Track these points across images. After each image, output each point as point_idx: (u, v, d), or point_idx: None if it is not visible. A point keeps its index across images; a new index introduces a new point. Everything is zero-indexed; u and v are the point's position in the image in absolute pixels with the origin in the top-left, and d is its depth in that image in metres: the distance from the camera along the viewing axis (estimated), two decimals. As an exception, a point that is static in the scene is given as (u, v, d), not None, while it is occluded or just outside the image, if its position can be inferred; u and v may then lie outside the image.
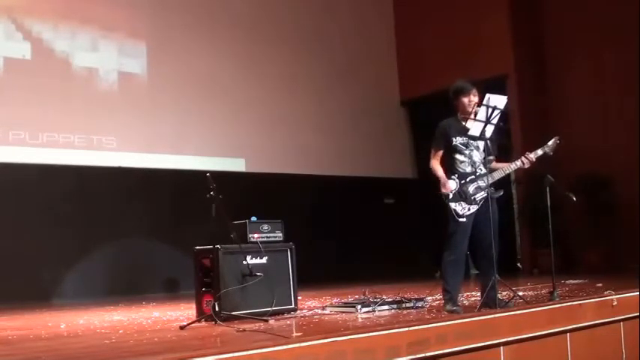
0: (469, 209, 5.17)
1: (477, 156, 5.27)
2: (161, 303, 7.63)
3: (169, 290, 9.61)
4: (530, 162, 5.29)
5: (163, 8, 10.71)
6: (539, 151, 5.35)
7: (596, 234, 10.68)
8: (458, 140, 5.25)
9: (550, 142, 5.37)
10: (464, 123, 5.29)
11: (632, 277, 6.91)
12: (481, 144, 5.26)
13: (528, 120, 11.54)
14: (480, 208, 5.19)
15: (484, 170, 5.23)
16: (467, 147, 5.25)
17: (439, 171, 5.25)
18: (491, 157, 5.26)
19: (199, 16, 11.04)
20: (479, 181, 5.20)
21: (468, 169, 5.24)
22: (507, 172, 5.34)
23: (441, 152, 5.28)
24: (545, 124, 11.71)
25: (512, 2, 11.96)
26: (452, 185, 5.17)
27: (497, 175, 5.26)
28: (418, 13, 13.15)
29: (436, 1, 12.91)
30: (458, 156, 5.25)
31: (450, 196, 5.16)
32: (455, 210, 5.15)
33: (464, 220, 5.15)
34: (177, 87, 10.65)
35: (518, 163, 5.31)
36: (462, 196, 5.17)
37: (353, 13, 12.94)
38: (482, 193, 5.18)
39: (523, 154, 5.35)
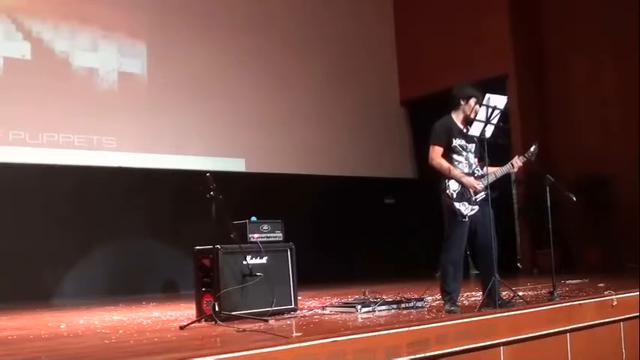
0: (472, 209, 5.19)
1: (472, 158, 5.34)
2: (161, 303, 7.62)
3: (169, 290, 9.61)
4: (518, 166, 5.39)
5: (163, 8, 10.71)
6: (526, 156, 5.40)
7: (596, 234, 10.69)
8: (457, 142, 5.27)
9: (532, 149, 5.45)
10: (460, 125, 5.32)
11: (632, 277, 6.91)
12: (473, 147, 5.32)
13: (528, 120, 11.55)
14: (479, 208, 5.21)
15: (481, 172, 5.27)
16: (464, 149, 5.29)
17: (452, 169, 5.20)
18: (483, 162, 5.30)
19: (199, 16, 11.04)
20: (478, 182, 5.22)
21: (466, 170, 5.27)
22: (498, 175, 5.38)
23: (441, 149, 5.27)
24: (544, 124, 11.73)
25: (512, 2, 11.95)
26: (474, 181, 5.18)
27: (490, 178, 5.29)
28: (418, 13, 13.16)
29: (436, 2, 12.91)
30: (456, 157, 5.28)
31: (454, 195, 5.16)
32: (459, 210, 5.15)
33: (466, 220, 5.17)
34: (177, 87, 10.65)
35: (508, 166, 5.39)
36: (464, 196, 5.19)
37: (353, 13, 12.94)
38: (482, 194, 5.21)
39: (523, 153, 5.40)
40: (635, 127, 10.55)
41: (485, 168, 5.27)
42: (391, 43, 13.59)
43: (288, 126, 11.73)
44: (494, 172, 5.34)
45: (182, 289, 9.20)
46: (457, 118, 5.36)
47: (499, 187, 5.41)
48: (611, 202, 10.56)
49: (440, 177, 5.27)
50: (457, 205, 5.16)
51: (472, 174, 5.27)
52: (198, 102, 10.81)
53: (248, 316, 5.11)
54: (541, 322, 4.93)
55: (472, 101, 5.30)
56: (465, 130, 5.28)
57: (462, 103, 5.34)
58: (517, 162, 5.37)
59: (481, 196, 5.21)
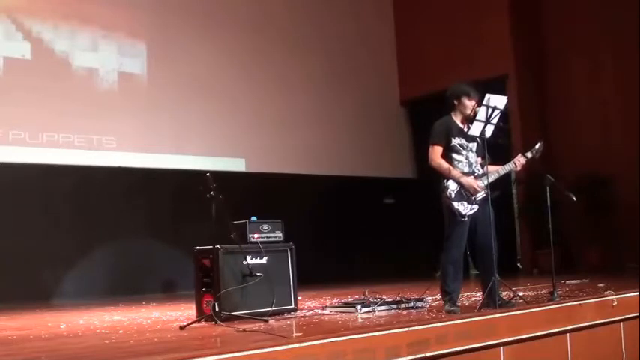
0: (471, 209, 5.18)
1: (473, 157, 5.32)
2: (161, 303, 7.62)
3: (169, 290, 9.61)
4: (522, 165, 5.36)
5: (163, 8, 10.71)
6: (529, 154, 5.39)
7: (596, 234, 10.69)
8: (456, 141, 5.26)
9: (537, 146, 5.43)
10: (461, 125, 5.31)
11: (632, 277, 6.91)
12: (474, 146, 5.31)
13: (528, 120, 11.55)
14: (479, 208, 5.20)
15: (481, 171, 5.26)
16: (464, 148, 5.28)
17: (452, 170, 5.19)
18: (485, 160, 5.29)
19: (199, 16, 11.04)
20: (478, 182, 5.22)
21: (466, 170, 5.25)
22: (501, 174, 5.36)
23: (441, 149, 5.26)
24: (544, 124, 11.73)
25: (512, 2, 11.96)
26: (474, 182, 5.18)
27: (491, 177, 5.28)
28: (418, 13, 13.16)
29: (436, 2, 12.91)
30: (456, 156, 5.27)
31: (453, 195, 5.16)
32: (458, 210, 5.15)
33: (465, 220, 5.16)
34: (177, 87, 10.65)
35: (511, 165, 5.37)
36: (463, 196, 5.18)
37: (353, 13, 12.93)
38: (482, 193, 5.20)
39: (523, 153, 5.39)
40: (635, 127, 10.55)
41: (485, 167, 5.27)
42: (391, 43, 13.59)
43: (288, 126, 11.73)
44: (497, 170, 5.33)
45: (182, 289, 9.19)
46: (456, 117, 5.35)
47: (499, 186, 5.40)
48: (611, 202, 10.56)
49: (440, 177, 5.26)
50: (456, 205, 5.16)
51: (472, 173, 5.26)
52: (198, 102, 10.81)
53: (248, 316, 5.10)
54: (541, 322, 4.93)
55: (464, 99, 5.28)
56: (465, 129, 5.28)
57: (456, 103, 5.33)
58: (520, 160, 5.35)
59: (481, 195, 5.20)
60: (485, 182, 5.23)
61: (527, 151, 5.41)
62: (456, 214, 5.15)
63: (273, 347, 3.55)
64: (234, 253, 5.37)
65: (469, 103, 5.27)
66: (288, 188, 11.03)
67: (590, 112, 11.37)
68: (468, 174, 5.23)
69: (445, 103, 5.41)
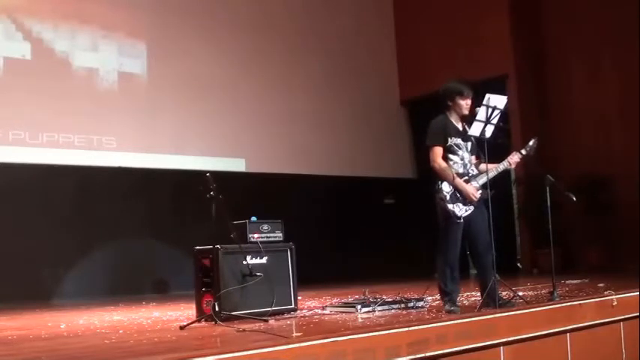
0: (466, 210, 5.15)
1: (467, 157, 5.28)
2: (161, 303, 7.62)
3: (169, 290, 9.61)
4: (516, 162, 5.32)
5: (163, 8, 10.71)
6: (523, 152, 5.35)
7: (596, 234, 10.69)
8: (453, 140, 5.23)
9: (531, 143, 5.39)
10: (457, 124, 5.29)
11: (632, 277, 6.91)
12: (469, 145, 5.27)
13: (528, 120, 11.55)
14: (474, 208, 5.18)
15: (476, 171, 5.25)
16: (460, 148, 5.25)
17: (453, 176, 5.12)
18: (481, 160, 5.27)
19: (199, 16, 11.04)
20: (472, 182, 5.20)
21: (461, 170, 5.22)
22: (496, 173, 5.29)
23: (441, 150, 5.19)
24: (544, 124, 11.73)
25: (512, 2, 11.96)
26: (473, 190, 5.14)
27: (487, 176, 5.25)
28: (418, 13, 13.16)
29: (436, 2, 12.92)
30: (451, 156, 5.23)
31: (447, 197, 5.13)
32: (453, 211, 5.12)
33: (460, 221, 5.14)
34: (177, 87, 10.65)
35: (505, 164, 5.31)
36: (458, 197, 5.16)
37: (353, 12, 12.94)
38: (478, 193, 5.18)
39: (520, 150, 5.37)
40: (635, 127, 10.55)
41: (481, 166, 5.25)
42: (391, 43, 13.59)
43: (288, 126, 11.73)
44: (491, 169, 5.28)
45: (181, 289, 9.18)
46: (452, 116, 5.31)
47: (499, 186, 5.38)
48: (611, 202, 10.56)
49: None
50: (450, 206, 5.12)
51: (467, 174, 5.24)
52: (198, 102, 10.81)
53: (248, 316, 5.11)
54: (541, 322, 4.93)
55: (458, 100, 5.23)
56: (461, 129, 5.25)
57: (450, 104, 5.29)
58: (514, 158, 5.32)
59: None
60: (481, 182, 5.21)
61: (521, 149, 5.39)
62: (451, 216, 5.13)
63: (273, 347, 3.55)
64: (234, 253, 5.37)
65: (463, 103, 5.23)
66: (288, 188, 11.03)
67: (590, 112, 11.37)
68: (462, 174, 5.20)
69: (440, 103, 5.38)
